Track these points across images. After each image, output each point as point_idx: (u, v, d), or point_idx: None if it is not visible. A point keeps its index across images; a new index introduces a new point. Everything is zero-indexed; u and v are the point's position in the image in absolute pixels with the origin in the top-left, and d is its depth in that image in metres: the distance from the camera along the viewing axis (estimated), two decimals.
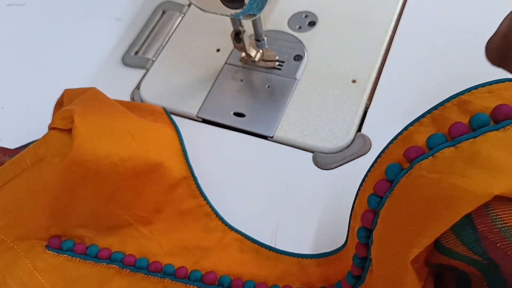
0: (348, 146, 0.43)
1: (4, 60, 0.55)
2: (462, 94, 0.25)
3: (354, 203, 0.32)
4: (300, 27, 0.51)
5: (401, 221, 0.25)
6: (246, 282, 0.37)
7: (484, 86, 0.25)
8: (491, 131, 0.23)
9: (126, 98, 0.50)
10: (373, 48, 0.48)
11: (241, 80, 0.48)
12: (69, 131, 0.38)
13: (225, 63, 0.50)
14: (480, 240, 0.23)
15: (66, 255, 0.39)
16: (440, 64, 0.45)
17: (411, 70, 0.46)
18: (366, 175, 0.30)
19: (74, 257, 0.39)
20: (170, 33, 0.54)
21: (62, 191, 0.37)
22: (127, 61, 0.52)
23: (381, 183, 0.27)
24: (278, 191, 0.42)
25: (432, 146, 0.25)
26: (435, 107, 0.26)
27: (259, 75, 0.49)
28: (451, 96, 0.26)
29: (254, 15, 0.40)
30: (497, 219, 0.22)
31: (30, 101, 0.51)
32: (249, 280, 0.37)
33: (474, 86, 0.25)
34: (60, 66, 0.53)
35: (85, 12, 0.57)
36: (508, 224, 0.22)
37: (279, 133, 0.44)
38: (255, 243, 0.39)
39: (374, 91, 0.45)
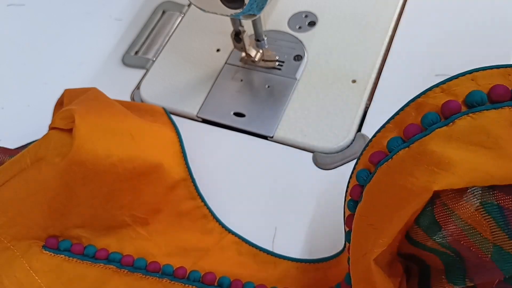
0: (348, 146, 0.43)
1: (4, 60, 0.55)
2: (419, 97, 0.26)
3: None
4: (300, 27, 0.51)
5: (366, 222, 0.26)
6: (246, 284, 0.37)
7: (438, 86, 0.25)
8: (439, 127, 0.24)
9: (126, 98, 0.50)
10: (373, 48, 0.47)
11: (241, 80, 0.48)
12: (69, 131, 0.38)
13: (225, 63, 0.50)
14: (443, 233, 0.24)
15: (63, 256, 0.39)
16: (440, 64, 0.45)
17: (411, 70, 0.46)
18: (348, 181, 0.30)
19: (71, 258, 0.39)
20: (170, 33, 0.54)
21: (61, 190, 0.37)
22: (127, 61, 0.52)
23: (355, 188, 0.28)
24: (278, 191, 0.41)
25: (391, 149, 0.26)
26: (396, 113, 0.26)
27: (259, 75, 0.48)
28: (409, 101, 0.26)
29: (254, 15, 0.40)
30: (448, 209, 0.23)
31: (30, 101, 0.51)
32: (249, 282, 0.37)
33: (429, 88, 0.26)
34: (60, 66, 0.53)
35: (85, 12, 0.57)
36: (456, 212, 0.23)
37: (279, 133, 0.44)
38: (253, 246, 0.39)
39: (374, 91, 0.45)
